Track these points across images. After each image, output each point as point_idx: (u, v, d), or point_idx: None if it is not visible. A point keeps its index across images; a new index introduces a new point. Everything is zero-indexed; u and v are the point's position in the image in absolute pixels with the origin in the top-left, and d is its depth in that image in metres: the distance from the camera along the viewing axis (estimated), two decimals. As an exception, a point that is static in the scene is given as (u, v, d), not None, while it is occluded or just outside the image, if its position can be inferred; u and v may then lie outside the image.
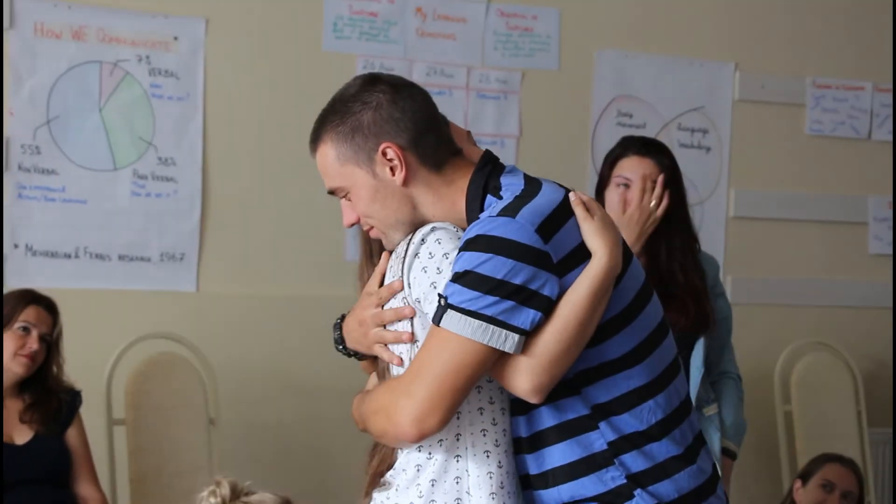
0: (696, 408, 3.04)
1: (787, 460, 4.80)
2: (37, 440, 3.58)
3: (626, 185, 3.12)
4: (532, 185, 1.98)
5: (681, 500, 1.98)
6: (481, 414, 1.98)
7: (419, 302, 1.97)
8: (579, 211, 1.95)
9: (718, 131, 5.00)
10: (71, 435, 3.67)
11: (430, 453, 1.98)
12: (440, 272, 1.95)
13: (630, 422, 1.96)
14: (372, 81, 2.03)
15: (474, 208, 1.99)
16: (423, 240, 1.99)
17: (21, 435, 3.58)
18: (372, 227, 2.07)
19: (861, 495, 4.11)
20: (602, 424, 1.95)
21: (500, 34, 4.70)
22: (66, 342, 3.67)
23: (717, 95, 4.99)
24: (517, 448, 2.00)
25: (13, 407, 3.59)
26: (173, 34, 4.32)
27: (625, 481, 1.95)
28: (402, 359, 2.01)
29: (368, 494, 2.06)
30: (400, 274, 2.01)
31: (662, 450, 1.98)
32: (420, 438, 1.90)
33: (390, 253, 2.08)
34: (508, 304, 1.86)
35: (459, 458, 1.97)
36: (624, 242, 2.00)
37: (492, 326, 1.86)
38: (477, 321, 1.86)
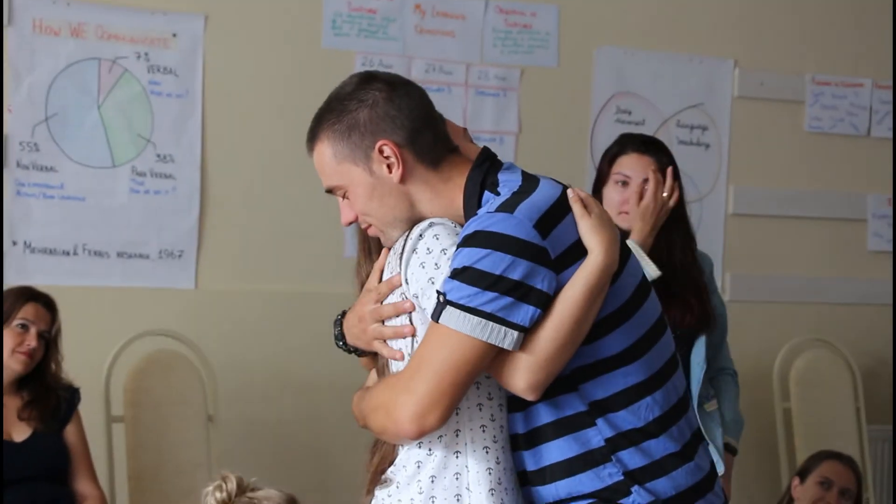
0: (697, 404, 3.05)
1: (785, 457, 4.80)
2: (35, 437, 3.58)
3: (625, 183, 3.12)
4: (530, 182, 1.98)
5: (678, 497, 1.98)
6: (480, 410, 1.98)
7: (417, 297, 1.97)
8: (577, 207, 1.95)
9: (718, 128, 4.99)
10: (69, 432, 3.67)
11: (430, 449, 1.97)
12: (438, 268, 1.94)
13: (627, 418, 1.96)
14: (368, 79, 2.03)
15: (472, 205, 1.98)
16: (420, 235, 1.99)
17: (20, 432, 3.57)
18: (370, 225, 2.07)
19: (859, 492, 4.11)
20: (599, 421, 1.95)
21: (499, 31, 4.69)
22: (65, 339, 3.67)
23: (716, 92, 4.99)
24: (514, 444, 2.00)
25: (12, 404, 3.59)
26: (172, 31, 4.32)
27: (622, 478, 1.95)
28: (403, 353, 2.00)
29: (370, 492, 2.05)
30: (398, 269, 2.00)
31: (660, 447, 1.98)
32: (420, 435, 1.90)
33: (389, 249, 2.07)
34: (507, 300, 1.86)
35: (459, 454, 1.97)
36: (622, 240, 2.00)
37: (491, 323, 1.86)
38: (476, 318, 1.86)
